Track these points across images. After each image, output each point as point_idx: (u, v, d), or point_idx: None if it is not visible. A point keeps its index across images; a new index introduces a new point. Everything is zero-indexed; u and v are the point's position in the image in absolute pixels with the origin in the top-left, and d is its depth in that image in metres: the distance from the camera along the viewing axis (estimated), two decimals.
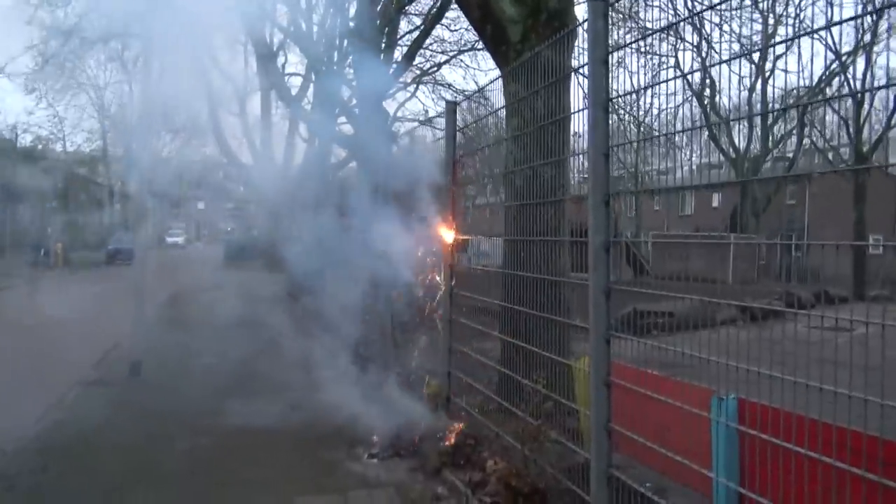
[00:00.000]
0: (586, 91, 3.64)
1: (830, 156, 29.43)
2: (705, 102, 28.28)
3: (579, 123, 6.42)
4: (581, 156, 4.07)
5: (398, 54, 15.71)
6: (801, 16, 18.35)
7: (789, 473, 3.06)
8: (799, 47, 2.68)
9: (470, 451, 4.89)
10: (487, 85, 5.89)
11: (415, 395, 6.00)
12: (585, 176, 4.00)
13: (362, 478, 4.77)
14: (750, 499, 3.37)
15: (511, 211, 6.01)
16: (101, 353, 9.45)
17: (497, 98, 6.33)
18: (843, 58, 25.24)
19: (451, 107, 5.69)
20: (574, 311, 5.40)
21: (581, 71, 5.17)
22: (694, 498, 3.74)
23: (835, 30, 24.07)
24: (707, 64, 17.93)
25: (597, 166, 3.22)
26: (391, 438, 5.38)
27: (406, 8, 15.81)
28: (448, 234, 5.57)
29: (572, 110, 4.41)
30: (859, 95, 24.68)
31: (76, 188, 38.53)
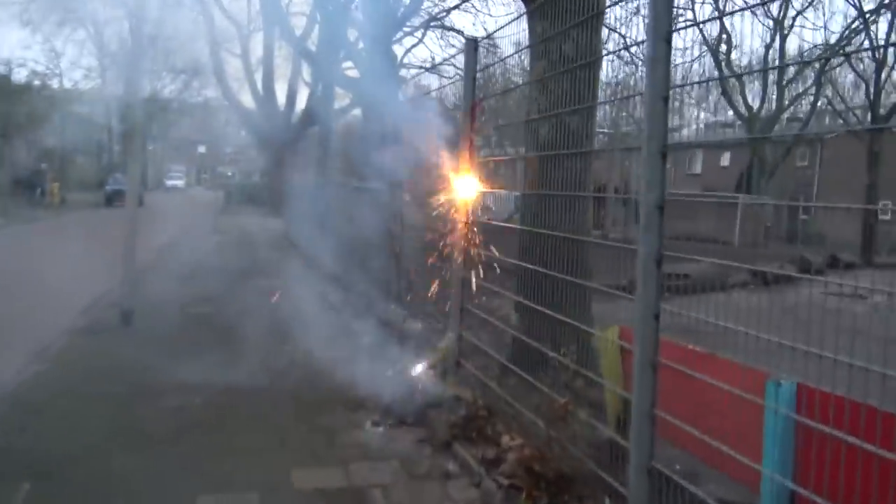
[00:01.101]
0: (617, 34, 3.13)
1: (845, 118, 28.62)
2: (720, 58, 27.37)
3: (608, 72, 5.91)
4: (634, 99, 3.55)
5: None
6: None
7: (854, 472, 2.66)
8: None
9: (482, 423, 4.49)
10: (512, 21, 5.28)
11: (422, 353, 5.61)
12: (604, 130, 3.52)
13: (364, 448, 4.39)
14: (804, 497, 2.99)
15: (533, 163, 5.52)
16: (91, 300, 9.05)
17: (517, 40, 5.76)
18: (867, 15, 24.23)
19: (472, 44, 5.13)
20: (594, 273, 4.99)
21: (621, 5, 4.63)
22: (731, 486, 3.37)
23: None
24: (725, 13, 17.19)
25: (654, 111, 2.72)
26: (396, 404, 4.99)
27: None
28: (465, 186, 5.07)
29: (613, 48, 3.85)
30: (879, 54, 23.84)
31: (74, 126, 37.70)
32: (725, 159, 40.10)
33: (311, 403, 5.16)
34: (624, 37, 4.80)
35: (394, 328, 6.38)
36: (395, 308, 6.73)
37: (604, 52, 5.41)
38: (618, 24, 4.78)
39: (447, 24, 22.80)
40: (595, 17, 5.07)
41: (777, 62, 27.66)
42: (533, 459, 3.53)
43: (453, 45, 22.87)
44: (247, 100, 31.67)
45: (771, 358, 2.93)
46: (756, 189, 31.73)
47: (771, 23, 26.61)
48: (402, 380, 5.29)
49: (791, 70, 29.64)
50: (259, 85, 30.74)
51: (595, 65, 5.38)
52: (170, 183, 55.93)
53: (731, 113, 32.30)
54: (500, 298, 5.28)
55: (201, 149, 68.77)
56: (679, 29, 2.77)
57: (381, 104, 10.21)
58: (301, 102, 31.44)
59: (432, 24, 22.59)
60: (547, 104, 5.32)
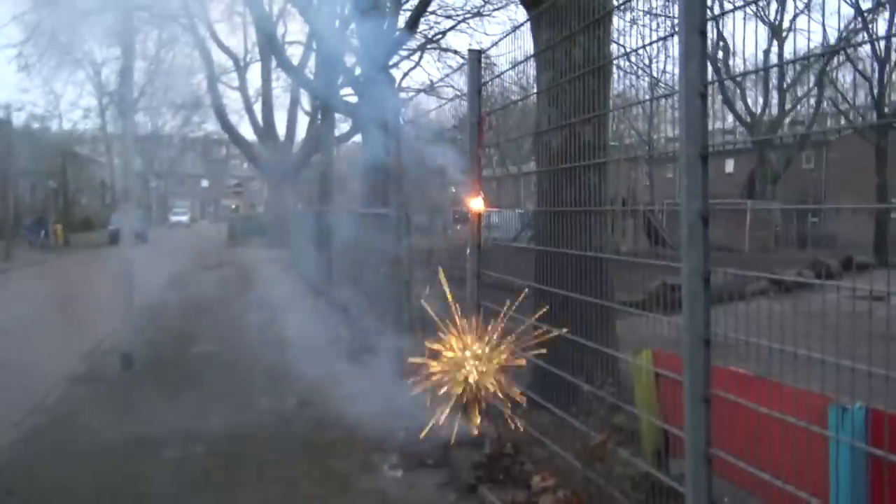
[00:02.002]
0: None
1: (850, 117, 28.29)
2: (717, 63, 27.16)
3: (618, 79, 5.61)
4: (667, 99, 3.24)
5: (402, 21, 14.80)
6: None
7: None
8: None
9: (509, 462, 4.14)
10: (520, 26, 5.00)
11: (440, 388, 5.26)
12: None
13: (383, 495, 4.04)
14: None
15: (545, 177, 5.22)
16: (93, 344, 8.74)
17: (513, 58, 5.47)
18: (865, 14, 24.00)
19: (476, 55, 4.84)
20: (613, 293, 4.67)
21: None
22: None
23: None
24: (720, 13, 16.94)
25: (691, 111, 2.41)
26: (414, 445, 4.63)
27: None
28: (473, 204, 4.76)
29: (647, 40, 3.52)
30: (881, 51, 23.61)
31: (75, 167, 37.73)
32: (730, 166, 39.80)
33: (323, 446, 4.82)
34: (623, 46, 4.53)
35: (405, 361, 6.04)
36: (407, 339, 6.39)
37: (615, 56, 5.15)
38: (623, 30, 4.51)
39: (444, 45, 22.71)
40: (603, 20, 4.82)
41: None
42: (576, 501, 3.17)
43: (450, 66, 22.77)
44: (247, 131, 31.65)
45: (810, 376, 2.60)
46: (762, 194, 31.37)
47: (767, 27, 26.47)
48: (419, 418, 4.94)
49: (792, 73, 29.43)
50: (259, 116, 30.70)
51: (605, 70, 5.12)
52: (174, 219, 55.83)
53: (730, 119, 32.02)
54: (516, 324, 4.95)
55: (204, 183, 68.94)
56: (717, 17, 2.46)
57: (381, 129, 9.96)
58: (301, 132, 31.40)
59: (429, 45, 22.48)
60: (558, 115, 5.03)
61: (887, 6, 22.76)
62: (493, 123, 5.98)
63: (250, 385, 6.07)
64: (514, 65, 4.99)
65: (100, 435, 5.16)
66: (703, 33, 2.41)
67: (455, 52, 22.15)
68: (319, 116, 29.67)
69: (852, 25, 24.52)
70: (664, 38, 2.97)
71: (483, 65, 8.11)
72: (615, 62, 5.22)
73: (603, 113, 4.72)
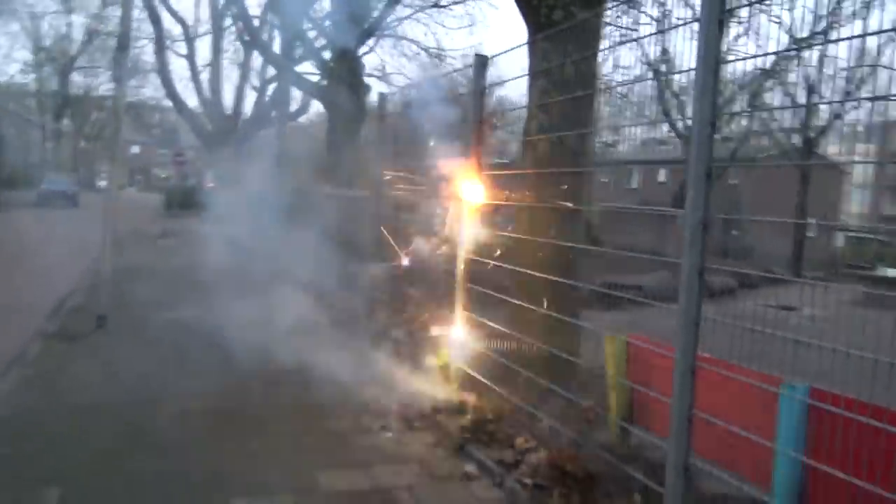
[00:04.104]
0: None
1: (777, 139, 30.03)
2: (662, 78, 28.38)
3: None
4: (681, 122, 3.78)
5: None
6: None
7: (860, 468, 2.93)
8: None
9: (492, 426, 4.65)
10: (524, 44, 5.52)
11: (420, 359, 5.73)
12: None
13: (380, 452, 4.48)
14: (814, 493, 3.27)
15: (531, 178, 5.74)
16: (54, 303, 8.79)
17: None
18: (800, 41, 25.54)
19: (482, 60, 5.31)
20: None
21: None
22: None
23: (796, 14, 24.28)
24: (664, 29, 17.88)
25: (702, 136, 2.95)
26: (401, 409, 5.10)
27: None
28: (473, 200, 5.24)
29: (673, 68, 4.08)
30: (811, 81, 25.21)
31: (5, 123, 36.12)
32: (662, 175, 41.47)
33: (314, 408, 5.20)
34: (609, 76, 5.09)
35: (386, 334, 6.47)
36: (388, 314, 6.82)
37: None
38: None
39: (400, 33, 22.97)
40: (594, 45, 5.44)
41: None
42: (564, 459, 3.70)
43: (405, 55, 23.08)
44: (191, 101, 31.04)
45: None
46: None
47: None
48: (405, 384, 5.40)
49: (727, 92, 30.99)
50: (206, 86, 30.20)
51: (596, 88, 5.74)
52: (102, 184, 53.96)
53: (666, 129, 33.46)
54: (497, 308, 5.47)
55: (135, 149, 66.70)
56: (730, 61, 3.01)
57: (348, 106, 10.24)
58: (250, 106, 31.06)
59: (385, 33, 22.71)
60: (548, 123, 5.57)
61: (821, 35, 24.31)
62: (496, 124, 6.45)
63: (224, 348, 6.32)
64: (518, 76, 5.49)
65: (96, 391, 5.41)
66: (716, 72, 2.96)
67: (412, 41, 22.50)
68: (269, 92, 29.44)
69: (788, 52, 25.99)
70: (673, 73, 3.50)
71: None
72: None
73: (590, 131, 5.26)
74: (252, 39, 17.56)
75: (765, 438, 3.23)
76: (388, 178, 7.12)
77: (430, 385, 5.39)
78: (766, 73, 25.32)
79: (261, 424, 4.90)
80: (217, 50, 29.52)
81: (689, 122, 3.16)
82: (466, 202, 5.27)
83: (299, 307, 7.23)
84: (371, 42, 23.00)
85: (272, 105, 28.20)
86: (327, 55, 14.11)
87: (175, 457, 4.19)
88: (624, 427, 4.14)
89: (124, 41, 7.19)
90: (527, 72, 5.88)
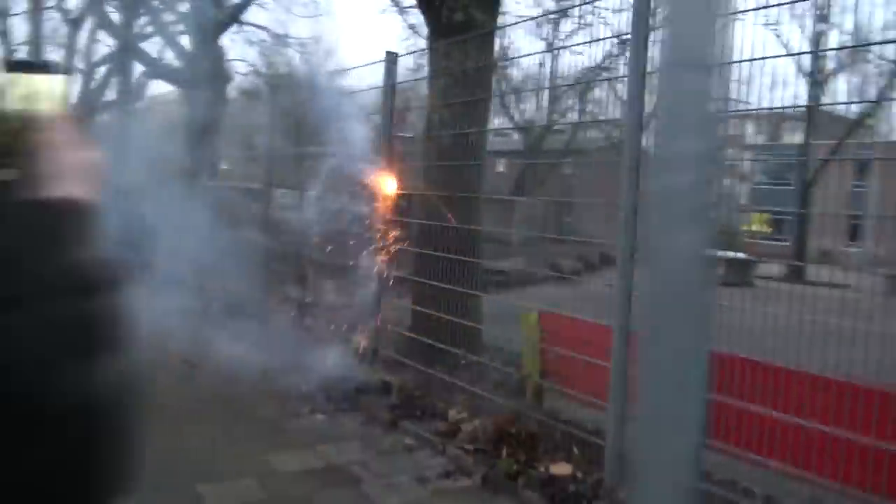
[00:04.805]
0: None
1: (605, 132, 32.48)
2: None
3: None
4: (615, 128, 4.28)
5: None
6: None
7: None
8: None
9: (419, 402, 5.00)
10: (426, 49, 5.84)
11: (332, 344, 5.93)
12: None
13: (318, 433, 4.67)
14: None
15: (432, 171, 6.10)
16: None
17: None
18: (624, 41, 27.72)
19: (392, 57, 5.58)
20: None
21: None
22: None
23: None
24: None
25: (632, 137, 3.48)
26: (325, 393, 5.30)
27: None
28: (387, 189, 5.52)
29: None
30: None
31: None
32: (501, 165, 43.42)
33: (239, 398, 5.25)
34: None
35: (298, 324, 6.58)
36: (296, 305, 6.90)
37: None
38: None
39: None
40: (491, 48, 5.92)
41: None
42: (505, 423, 4.13)
43: (252, 42, 22.47)
44: None
45: None
46: (528, 193, 34.87)
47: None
48: (326, 370, 5.59)
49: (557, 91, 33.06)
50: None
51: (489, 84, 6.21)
52: None
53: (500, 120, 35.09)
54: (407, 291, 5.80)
55: None
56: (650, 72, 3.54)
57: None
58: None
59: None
60: (450, 119, 5.97)
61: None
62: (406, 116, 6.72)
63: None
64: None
65: None
66: (644, 83, 3.48)
67: (260, 26, 21.94)
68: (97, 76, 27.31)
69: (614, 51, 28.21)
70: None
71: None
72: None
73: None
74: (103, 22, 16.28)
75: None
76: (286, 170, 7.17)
77: (349, 368, 5.62)
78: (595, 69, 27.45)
79: (195, 416, 4.90)
80: (37, 21, 26.98)
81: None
82: (383, 194, 5.54)
83: None
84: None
85: (101, 90, 26.27)
86: (186, 42, 13.57)
87: None
88: (539, 391, 4.66)
89: None
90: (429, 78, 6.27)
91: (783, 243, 29.29)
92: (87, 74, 28.70)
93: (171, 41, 14.14)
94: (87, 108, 27.42)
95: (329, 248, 6.18)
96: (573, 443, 3.95)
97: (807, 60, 21.74)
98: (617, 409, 3.58)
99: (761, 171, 39.61)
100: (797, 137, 36.41)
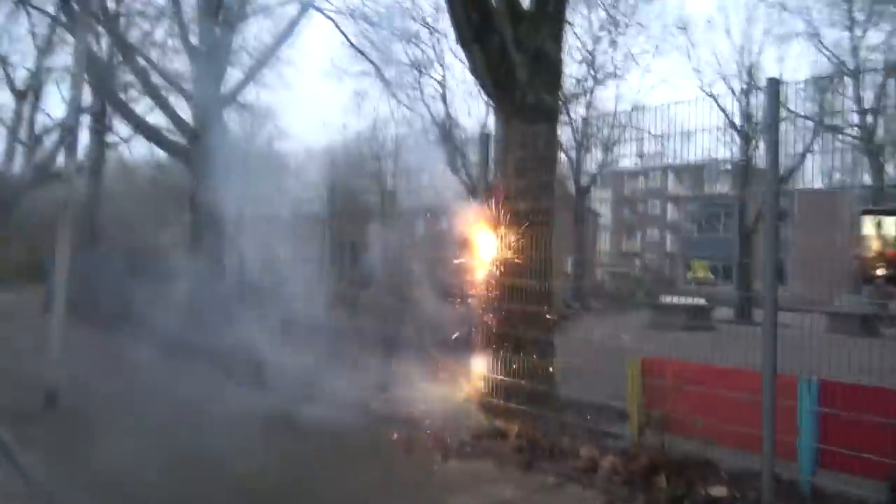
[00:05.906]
0: None
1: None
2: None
3: None
4: None
5: None
6: None
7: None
8: None
9: (545, 443, 5.55)
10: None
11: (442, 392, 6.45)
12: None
13: (469, 476, 5.09)
14: None
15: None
16: None
17: None
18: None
19: (485, 137, 6.30)
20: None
21: None
22: None
23: None
24: None
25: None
26: (446, 440, 5.74)
27: None
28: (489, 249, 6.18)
29: None
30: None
31: None
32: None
33: (374, 445, 5.67)
34: None
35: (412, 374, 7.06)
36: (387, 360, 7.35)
37: None
38: None
39: None
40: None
41: None
42: (658, 456, 4.75)
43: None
44: None
45: None
46: None
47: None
48: (443, 418, 6.08)
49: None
50: None
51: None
52: None
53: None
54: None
55: None
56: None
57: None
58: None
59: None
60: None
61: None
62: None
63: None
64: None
65: None
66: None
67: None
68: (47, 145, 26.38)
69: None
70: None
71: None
72: None
73: None
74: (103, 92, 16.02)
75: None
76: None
77: (461, 416, 6.12)
78: None
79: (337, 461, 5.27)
80: None
81: None
82: (484, 256, 6.18)
83: None
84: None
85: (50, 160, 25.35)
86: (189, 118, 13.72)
87: None
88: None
89: None
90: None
91: (727, 288, 31.23)
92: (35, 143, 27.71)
93: (164, 105, 14.29)
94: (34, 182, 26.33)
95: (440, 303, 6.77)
96: (720, 469, 4.61)
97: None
98: (769, 436, 4.26)
99: (694, 221, 42.13)
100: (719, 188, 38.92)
